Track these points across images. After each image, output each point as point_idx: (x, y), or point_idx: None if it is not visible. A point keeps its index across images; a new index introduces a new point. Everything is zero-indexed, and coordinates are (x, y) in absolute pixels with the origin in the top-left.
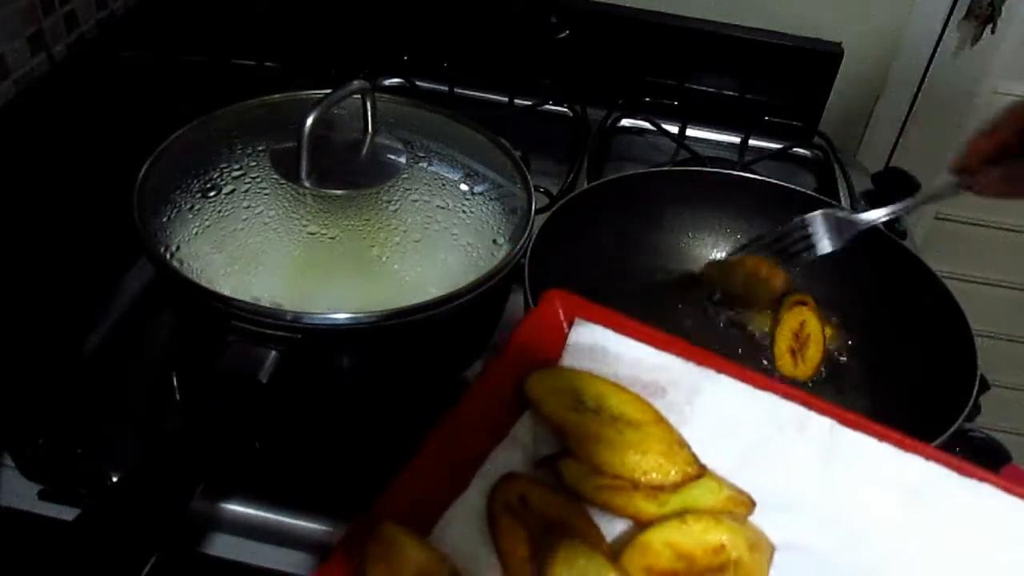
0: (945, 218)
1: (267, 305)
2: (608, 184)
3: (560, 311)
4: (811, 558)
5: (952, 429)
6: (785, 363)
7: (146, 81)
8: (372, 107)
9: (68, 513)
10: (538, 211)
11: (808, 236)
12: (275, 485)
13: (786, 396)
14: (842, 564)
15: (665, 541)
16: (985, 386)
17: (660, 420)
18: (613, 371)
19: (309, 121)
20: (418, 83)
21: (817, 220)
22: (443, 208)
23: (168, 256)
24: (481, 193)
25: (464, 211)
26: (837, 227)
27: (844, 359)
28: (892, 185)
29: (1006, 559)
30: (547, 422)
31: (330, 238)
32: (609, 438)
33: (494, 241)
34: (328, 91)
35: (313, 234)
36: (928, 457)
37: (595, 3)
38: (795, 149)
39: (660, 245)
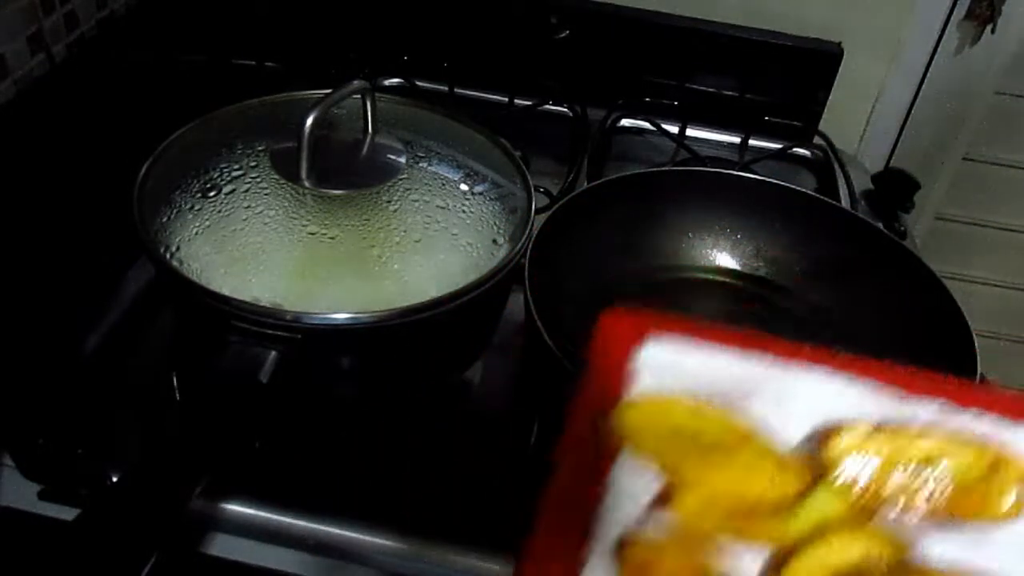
0: (945, 218)
1: (267, 305)
2: (608, 184)
3: (625, 333)
4: None
5: None
6: None
7: (146, 81)
8: (372, 107)
9: (68, 513)
10: (538, 211)
11: None
12: (275, 485)
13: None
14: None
15: (821, 563)
16: None
17: (755, 434)
18: (692, 388)
19: (309, 121)
20: (418, 83)
21: None
22: (443, 208)
23: (168, 256)
24: (481, 193)
25: (464, 211)
26: None
27: None
28: (892, 185)
29: None
30: (644, 460)
31: (330, 238)
32: (715, 463)
33: (494, 241)
34: (328, 91)
35: (313, 234)
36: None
37: (595, 3)
38: (795, 149)
39: (661, 245)
